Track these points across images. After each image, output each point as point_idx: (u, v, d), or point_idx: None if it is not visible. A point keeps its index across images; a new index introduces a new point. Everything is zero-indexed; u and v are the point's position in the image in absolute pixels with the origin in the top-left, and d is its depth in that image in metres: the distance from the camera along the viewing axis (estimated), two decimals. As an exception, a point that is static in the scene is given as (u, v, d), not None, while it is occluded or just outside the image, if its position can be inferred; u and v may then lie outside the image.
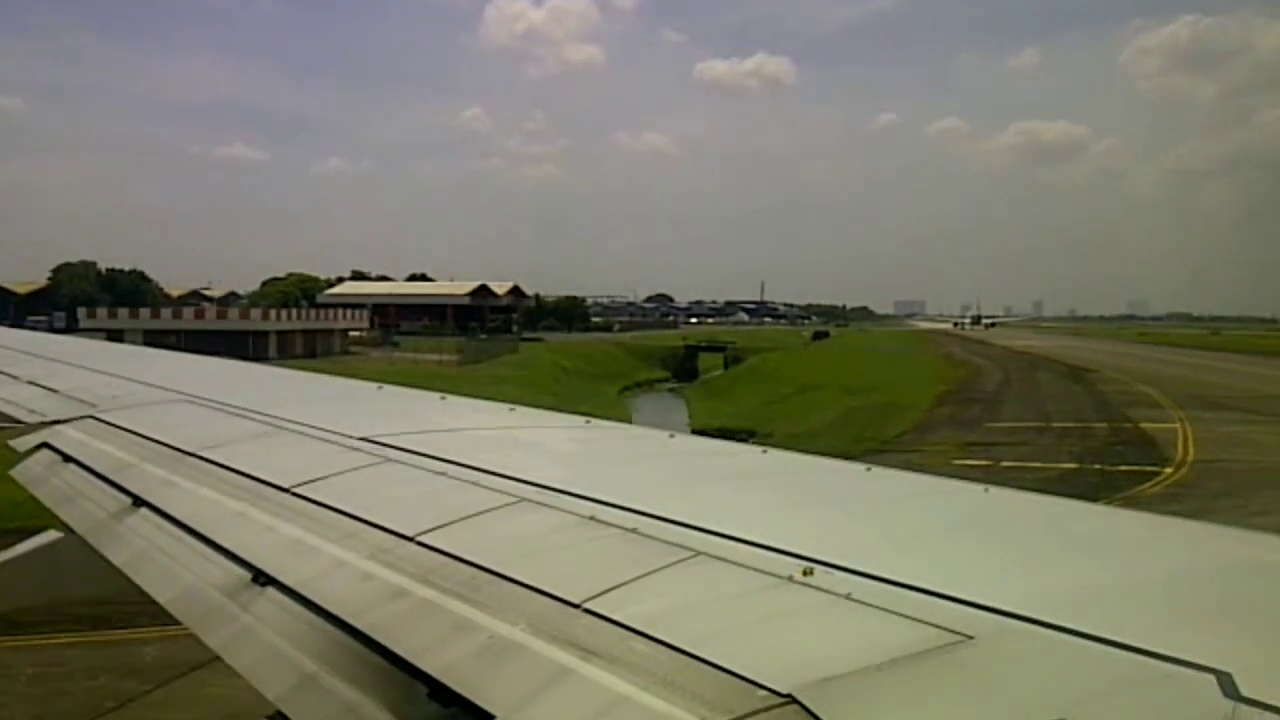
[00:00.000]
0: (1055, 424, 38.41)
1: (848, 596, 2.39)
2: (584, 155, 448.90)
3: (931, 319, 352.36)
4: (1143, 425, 36.61)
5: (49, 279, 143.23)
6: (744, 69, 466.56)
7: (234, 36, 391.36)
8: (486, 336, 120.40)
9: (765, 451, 4.52)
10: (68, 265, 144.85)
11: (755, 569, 2.61)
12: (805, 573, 2.54)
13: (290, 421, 5.16)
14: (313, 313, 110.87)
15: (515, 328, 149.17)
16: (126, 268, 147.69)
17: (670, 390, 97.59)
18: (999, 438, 35.36)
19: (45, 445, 5.56)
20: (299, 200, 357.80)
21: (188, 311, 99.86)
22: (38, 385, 7.47)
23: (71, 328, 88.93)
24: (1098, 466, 28.19)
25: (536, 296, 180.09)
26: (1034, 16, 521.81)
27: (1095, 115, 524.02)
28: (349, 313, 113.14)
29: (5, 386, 7.63)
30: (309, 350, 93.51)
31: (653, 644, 2.24)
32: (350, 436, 4.58)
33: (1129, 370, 68.39)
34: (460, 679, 2.33)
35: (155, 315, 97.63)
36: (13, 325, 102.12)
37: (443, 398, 6.38)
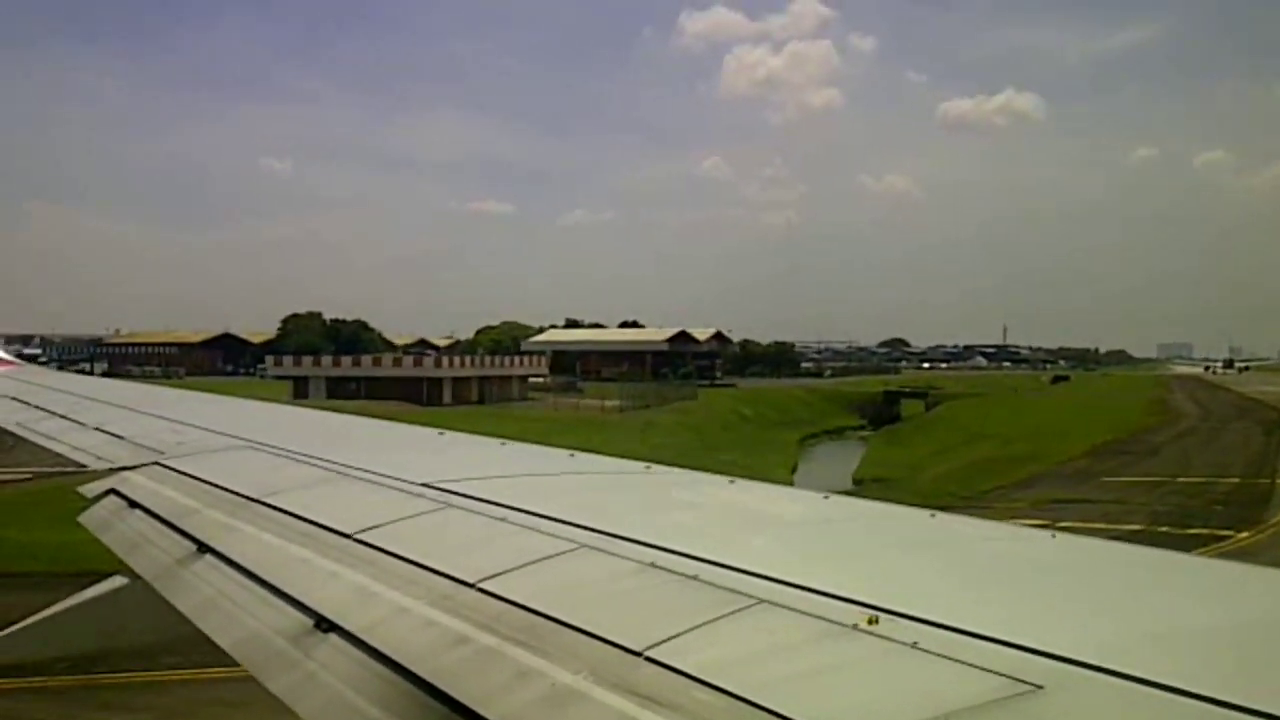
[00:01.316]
0: (1181, 479, 35.16)
1: (914, 645, 2.35)
2: (824, 200, 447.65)
3: (1194, 362, 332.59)
4: (1280, 480, 33.06)
5: (279, 329, 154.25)
6: (990, 106, 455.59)
7: (480, 94, 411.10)
8: (679, 382, 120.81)
9: (828, 498, 4.46)
10: (295, 316, 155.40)
11: (819, 617, 2.57)
12: (870, 621, 2.50)
13: (352, 468, 5.19)
14: (496, 359, 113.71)
15: (718, 374, 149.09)
16: (350, 318, 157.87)
17: (861, 437, 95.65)
18: (1098, 494, 32.76)
19: (112, 491, 5.62)
20: (543, 251, 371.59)
21: (366, 359, 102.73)
22: (105, 431, 7.58)
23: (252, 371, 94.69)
24: (1165, 529, 26.06)
25: (744, 342, 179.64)
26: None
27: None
28: (532, 359, 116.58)
29: (74, 434, 7.79)
30: (483, 396, 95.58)
31: (715, 693, 2.23)
32: (412, 483, 4.60)
33: None
34: None
35: (336, 363, 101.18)
36: (247, 372, 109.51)
37: (503, 443, 6.39)
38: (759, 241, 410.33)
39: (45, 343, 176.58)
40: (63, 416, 8.70)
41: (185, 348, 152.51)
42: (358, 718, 2.71)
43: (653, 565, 3.12)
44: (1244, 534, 24.80)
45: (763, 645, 2.48)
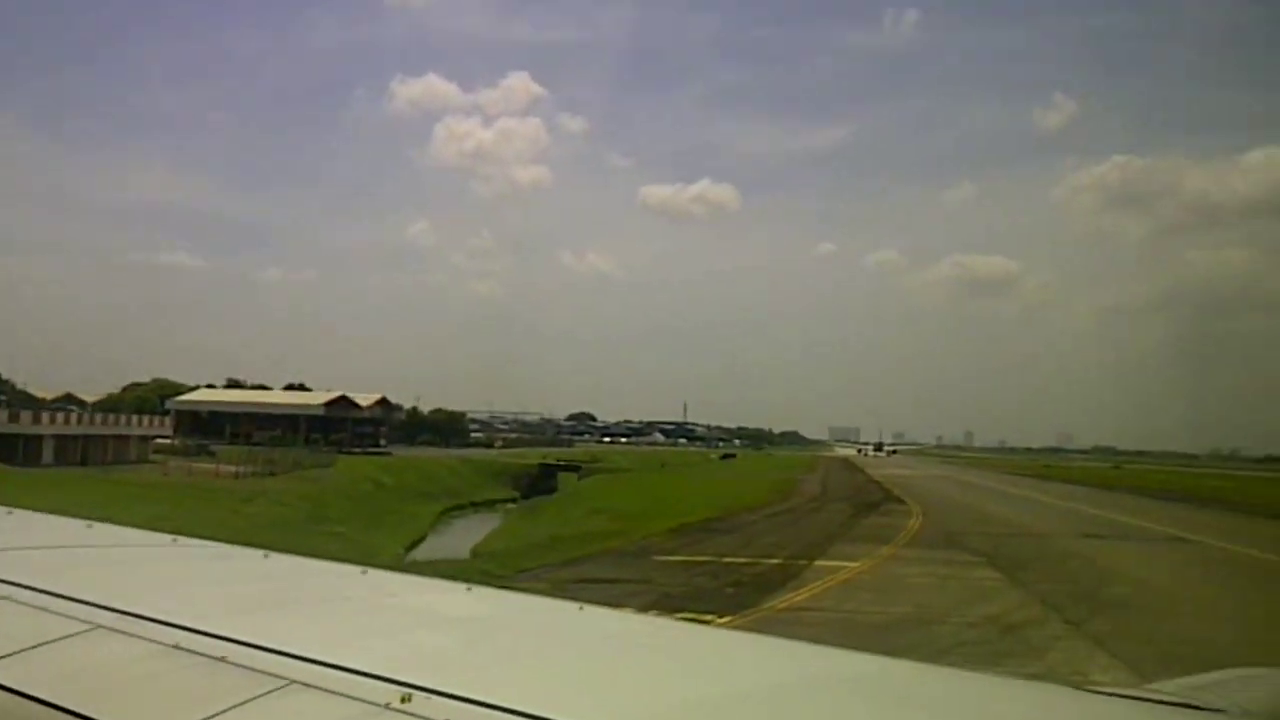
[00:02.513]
0: (727, 559, 35.55)
1: None
2: (528, 273, 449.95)
3: (860, 444, 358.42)
4: (817, 562, 33.94)
5: None
6: (688, 194, 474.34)
7: (180, 144, 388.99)
8: (329, 449, 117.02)
9: (365, 572, 4.32)
10: None
11: (351, 696, 2.50)
12: (404, 700, 2.47)
13: None
14: (112, 418, 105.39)
15: (382, 441, 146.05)
16: None
17: (509, 510, 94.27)
18: (633, 574, 32.39)
19: None
20: (236, 308, 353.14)
21: None
22: None
23: None
24: (654, 612, 25.32)
25: (413, 409, 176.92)
26: (970, 153, 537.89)
27: (1029, 250, 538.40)
28: (157, 420, 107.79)
29: None
30: (91, 457, 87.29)
31: None
32: None
33: (940, 504, 68.35)
34: None
35: None
36: None
37: (10, 512, 5.74)
38: (463, 310, 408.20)
39: None
40: None
41: None
42: None
43: (176, 647, 2.92)
44: (724, 619, 24.74)
45: None
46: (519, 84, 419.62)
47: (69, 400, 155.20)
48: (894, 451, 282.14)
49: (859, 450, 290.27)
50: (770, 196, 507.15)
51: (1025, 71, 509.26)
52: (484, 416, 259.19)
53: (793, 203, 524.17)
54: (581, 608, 3.69)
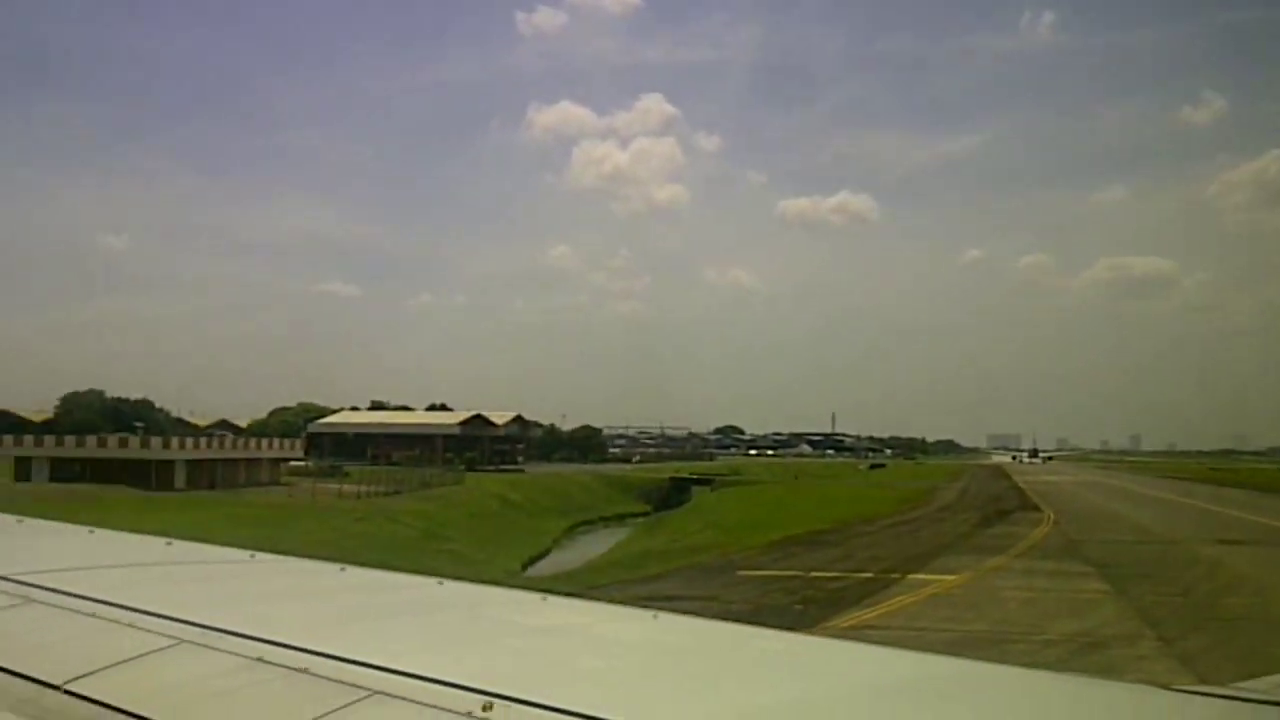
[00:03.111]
0: (815, 573, 33.69)
1: None
2: (669, 291, 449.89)
3: (1017, 452, 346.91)
4: (911, 576, 31.89)
5: (56, 408, 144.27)
6: (826, 206, 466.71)
7: (328, 181, 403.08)
8: (462, 467, 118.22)
9: (442, 583, 4.38)
10: (75, 394, 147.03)
11: (434, 706, 2.53)
12: (485, 708, 2.49)
13: None
14: (242, 441, 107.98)
15: (519, 458, 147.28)
16: (134, 397, 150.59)
17: (638, 524, 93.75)
18: (709, 590, 30.89)
19: None
20: (389, 334, 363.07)
21: (91, 439, 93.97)
22: None
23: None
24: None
25: (550, 427, 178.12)
26: (1117, 154, 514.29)
27: (1186, 249, 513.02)
28: (287, 443, 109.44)
29: None
30: (226, 480, 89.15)
31: None
32: None
33: (1077, 512, 64.34)
34: None
35: (59, 443, 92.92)
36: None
37: (92, 531, 5.94)
38: (606, 329, 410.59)
39: None
40: None
41: None
42: None
43: (260, 660, 2.95)
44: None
45: None
46: (653, 105, 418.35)
47: (222, 426, 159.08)
48: (1049, 458, 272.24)
49: (1013, 457, 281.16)
50: (910, 205, 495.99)
51: (1169, 69, 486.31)
52: (630, 433, 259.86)
53: (934, 210, 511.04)
54: (656, 615, 3.68)
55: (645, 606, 4.11)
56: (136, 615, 3.46)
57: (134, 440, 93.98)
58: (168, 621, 3.35)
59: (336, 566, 4.73)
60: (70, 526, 6.33)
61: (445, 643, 3.44)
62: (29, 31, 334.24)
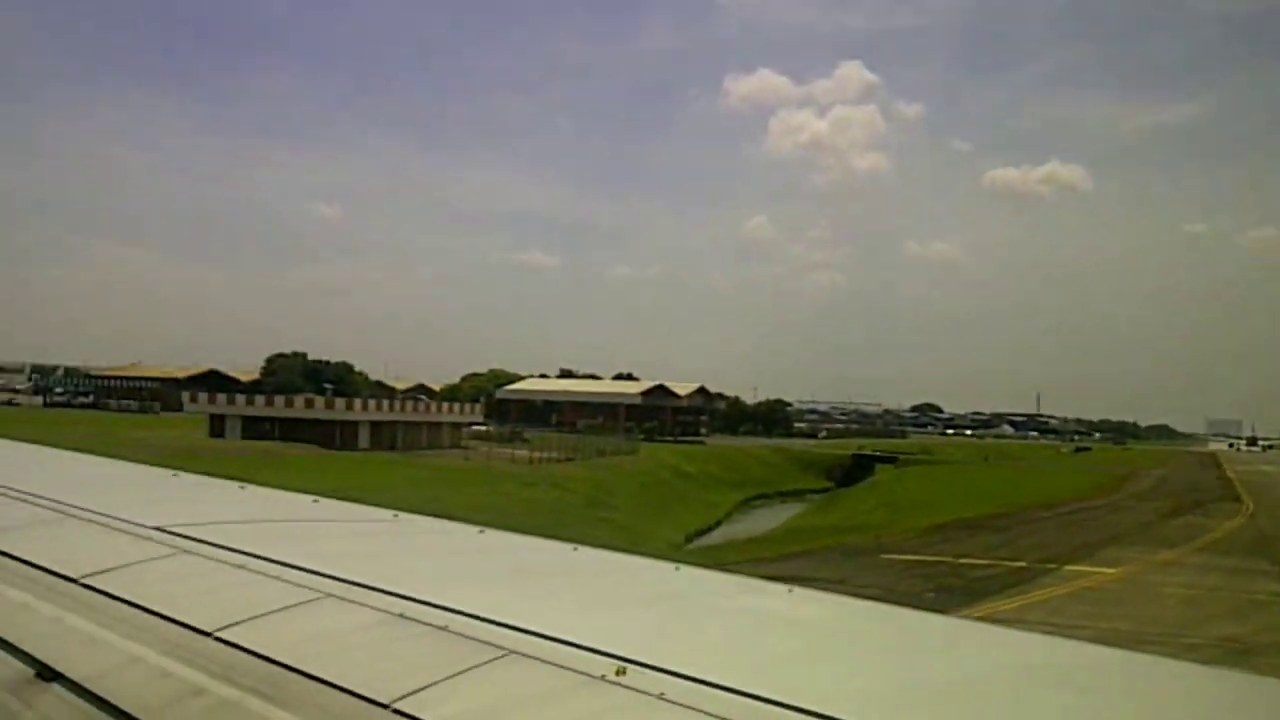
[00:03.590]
0: (965, 560, 32.14)
1: (660, 696, 2.40)
2: (868, 262, 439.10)
3: (1237, 439, 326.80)
4: (1068, 567, 30.02)
5: (262, 369, 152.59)
6: (1035, 176, 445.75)
7: (528, 150, 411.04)
8: (642, 436, 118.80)
9: (576, 549, 4.45)
10: (280, 356, 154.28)
11: (568, 668, 2.59)
12: (618, 672, 2.53)
13: (75, 507, 4.89)
14: (423, 405, 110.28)
15: (702, 430, 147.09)
16: (334, 359, 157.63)
17: (815, 500, 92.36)
18: (846, 573, 29.70)
19: None
20: (587, 304, 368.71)
21: (279, 399, 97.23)
22: None
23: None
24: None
25: (735, 399, 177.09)
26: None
27: None
28: (469, 406, 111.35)
29: None
30: (402, 442, 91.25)
31: None
32: (142, 525, 4.39)
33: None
34: None
35: (250, 403, 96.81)
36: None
37: (242, 487, 6.13)
38: (802, 302, 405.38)
39: (41, 371, 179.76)
40: None
41: (167, 383, 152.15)
42: None
43: (401, 616, 3.06)
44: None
45: (512, 696, 2.49)
46: (852, 73, 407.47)
47: (420, 390, 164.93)
48: (1270, 447, 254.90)
49: (1230, 445, 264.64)
50: (1124, 175, 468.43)
51: None
52: (822, 408, 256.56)
53: (1150, 181, 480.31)
54: (791, 590, 3.68)
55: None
56: (283, 569, 3.62)
57: (320, 401, 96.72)
58: (313, 575, 3.50)
59: (476, 528, 4.85)
60: (222, 482, 6.54)
61: (579, 606, 3.50)
62: (247, 8, 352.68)
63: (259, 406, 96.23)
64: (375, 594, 3.26)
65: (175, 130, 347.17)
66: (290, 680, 2.63)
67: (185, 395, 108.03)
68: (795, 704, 2.27)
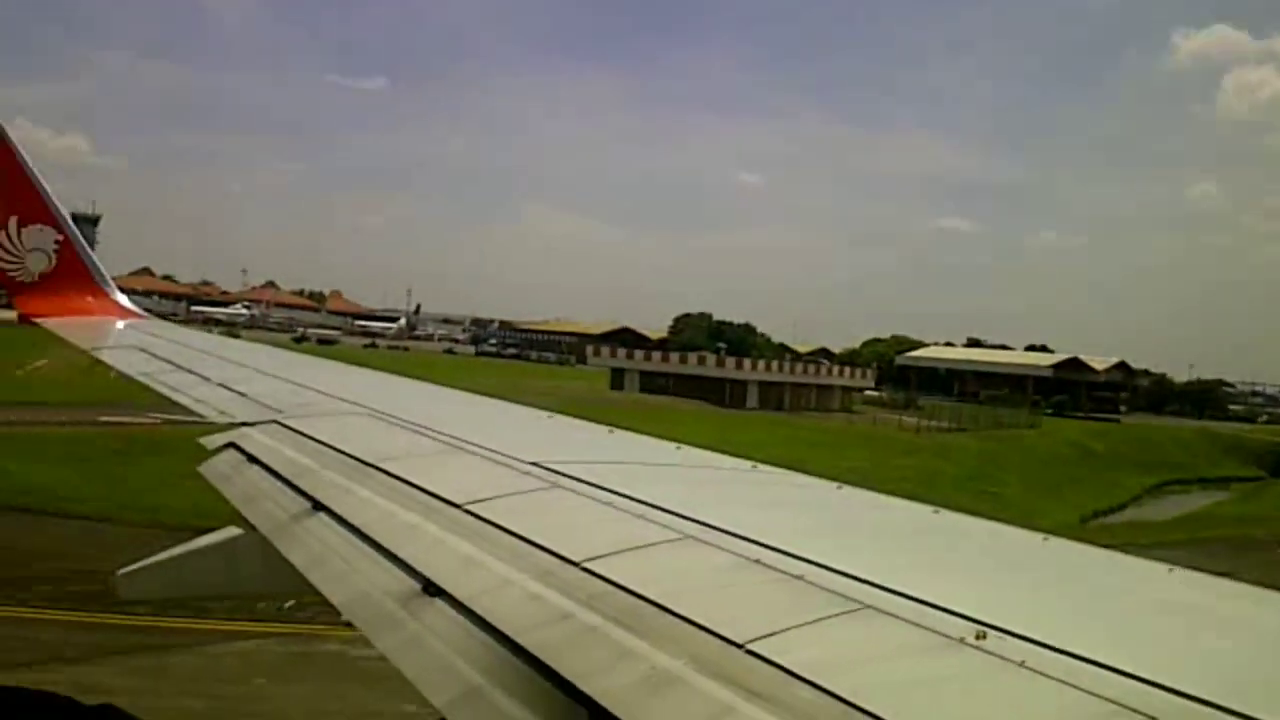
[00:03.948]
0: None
1: (1022, 664, 2.35)
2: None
3: None
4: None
5: (670, 327, 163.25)
6: None
7: (950, 114, 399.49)
8: (1050, 411, 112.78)
9: (937, 512, 4.39)
10: (686, 316, 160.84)
11: (926, 627, 2.58)
12: (978, 636, 2.50)
13: (465, 441, 5.33)
14: (814, 368, 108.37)
15: (1122, 408, 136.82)
16: (738, 321, 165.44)
17: (1240, 489, 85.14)
18: (1233, 566, 26.47)
19: (232, 445, 5.86)
20: (1008, 271, 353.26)
21: (674, 356, 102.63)
22: (228, 388, 7.85)
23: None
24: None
25: (1161, 377, 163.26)
26: None
27: None
28: (859, 371, 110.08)
29: (198, 388, 8.07)
30: (790, 403, 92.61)
31: (817, 691, 2.24)
32: (521, 460, 4.72)
33: None
34: (622, 706, 2.37)
35: (648, 358, 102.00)
36: (580, 361, 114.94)
37: (611, 431, 6.47)
38: (1249, 275, 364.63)
39: (479, 323, 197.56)
40: (188, 370, 8.98)
41: (583, 338, 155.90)
42: (460, 681, 2.76)
43: (757, 562, 3.13)
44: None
45: (867, 650, 2.48)
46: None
47: (821, 354, 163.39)
48: None
49: None
50: None
51: None
52: (1271, 390, 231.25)
53: None
54: (1171, 570, 3.46)
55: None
56: (646, 508, 3.78)
57: (712, 359, 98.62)
58: (675, 517, 3.63)
59: (833, 484, 4.82)
60: (593, 425, 6.85)
61: (938, 567, 3.45)
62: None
63: (655, 362, 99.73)
64: (732, 539, 3.34)
65: (609, 102, 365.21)
66: (649, 613, 2.73)
67: (590, 349, 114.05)
68: (1173, 686, 2.14)
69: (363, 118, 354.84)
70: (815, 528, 3.95)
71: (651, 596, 2.82)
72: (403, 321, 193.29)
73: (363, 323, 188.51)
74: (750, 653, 2.41)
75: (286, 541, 4.25)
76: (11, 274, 12.48)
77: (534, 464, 4.61)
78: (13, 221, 12.31)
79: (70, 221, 12.92)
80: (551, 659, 2.61)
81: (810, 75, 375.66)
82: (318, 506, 4.40)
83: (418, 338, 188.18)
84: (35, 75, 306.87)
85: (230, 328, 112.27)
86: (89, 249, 13.27)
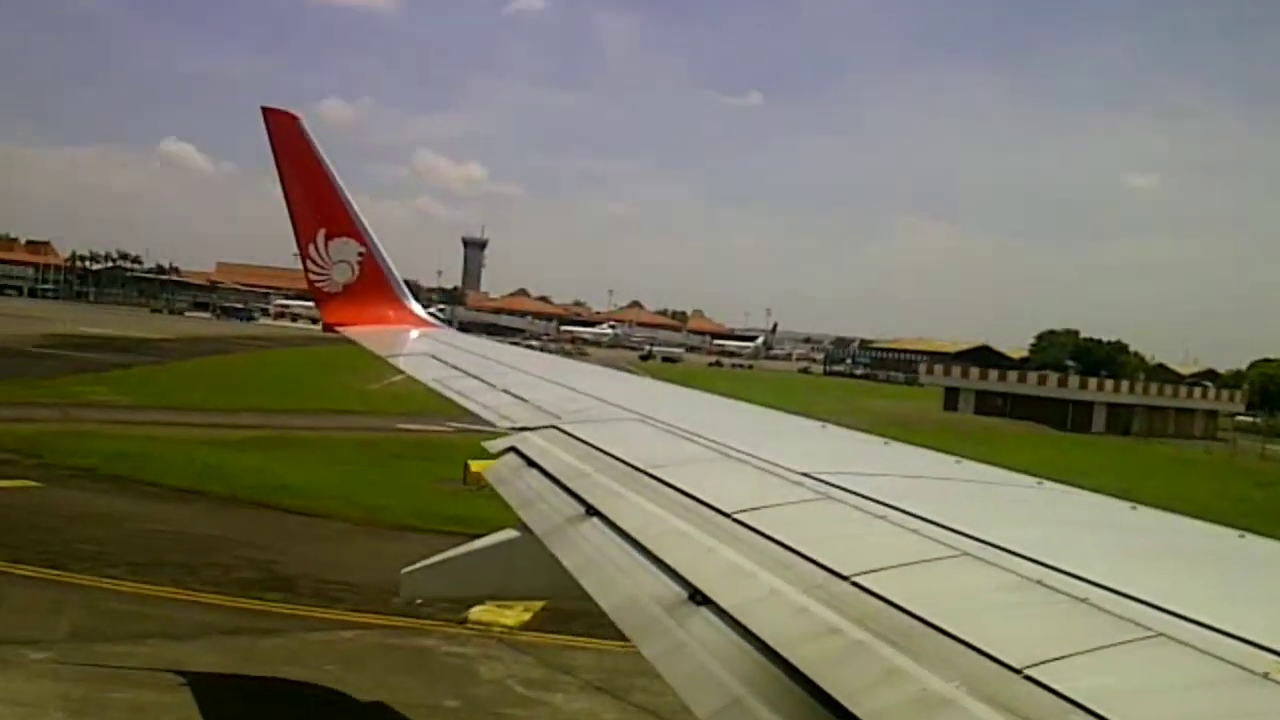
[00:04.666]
0: None
1: None
2: None
3: None
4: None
5: (1031, 345, 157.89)
6: None
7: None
8: None
9: (1243, 536, 4.06)
10: (1050, 333, 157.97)
11: (1223, 659, 2.37)
12: None
13: (734, 450, 5.30)
14: (1173, 389, 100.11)
15: None
16: (1108, 339, 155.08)
17: None
18: None
19: (513, 449, 6.07)
20: None
21: (1012, 375, 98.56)
22: (511, 394, 8.17)
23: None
24: None
25: None
26: None
27: None
28: (1226, 394, 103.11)
29: (484, 394, 8.45)
30: (1148, 428, 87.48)
31: None
32: (792, 470, 4.64)
33: None
34: None
35: (983, 376, 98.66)
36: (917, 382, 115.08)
37: (886, 443, 6.36)
38: None
39: (840, 343, 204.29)
40: (475, 377, 9.40)
41: (939, 356, 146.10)
42: (723, 692, 2.75)
43: (1039, 583, 2.99)
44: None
45: (1156, 681, 2.35)
46: None
47: (1207, 376, 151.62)
48: None
49: None
50: None
51: None
52: None
53: None
54: None
55: None
56: (922, 523, 3.65)
57: (1053, 379, 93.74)
58: (952, 533, 3.50)
59: (1127, 505, 4.55)
60: (867, 436, 6.76)
61: (1240, 595, 3.21)
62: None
63: (991, 381, 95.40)
64: (1012, 557, 3.20)
65: (986, 103, 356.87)
66: (922, 632, 2.65)
67: (923, 368, 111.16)
68: None
69: (737, 134, 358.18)
70: (1103, 548, 3.72)
71: (925, 615, 2.74)
72: (759, 341, 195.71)
73: (720, 342, 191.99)
74: (1029, 679, 2.33)
75: (559, 544, 4.31)
76: (319, 284, 13.19)
77: (805, 474, 4.53)
78: (320, 235, 13.05)
79: (372, 234, 13.47)
80: (818, 675, 2.57)
81: (1218, 66, 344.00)
82: (590, 511, 4.46)
83: (775, 357, 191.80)
84: (437, 108, 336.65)
85: (577, 345, 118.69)
86: (388, 260, 13.75)
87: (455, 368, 10.05)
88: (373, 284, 13.44)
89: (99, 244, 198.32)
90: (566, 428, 6.34)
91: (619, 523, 4.16)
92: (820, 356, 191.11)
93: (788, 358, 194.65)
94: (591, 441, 5.75)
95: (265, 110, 12.69)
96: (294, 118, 12.86)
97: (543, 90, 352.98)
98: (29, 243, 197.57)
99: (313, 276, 13.18)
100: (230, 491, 25.78)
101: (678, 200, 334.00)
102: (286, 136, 12.79)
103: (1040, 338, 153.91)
